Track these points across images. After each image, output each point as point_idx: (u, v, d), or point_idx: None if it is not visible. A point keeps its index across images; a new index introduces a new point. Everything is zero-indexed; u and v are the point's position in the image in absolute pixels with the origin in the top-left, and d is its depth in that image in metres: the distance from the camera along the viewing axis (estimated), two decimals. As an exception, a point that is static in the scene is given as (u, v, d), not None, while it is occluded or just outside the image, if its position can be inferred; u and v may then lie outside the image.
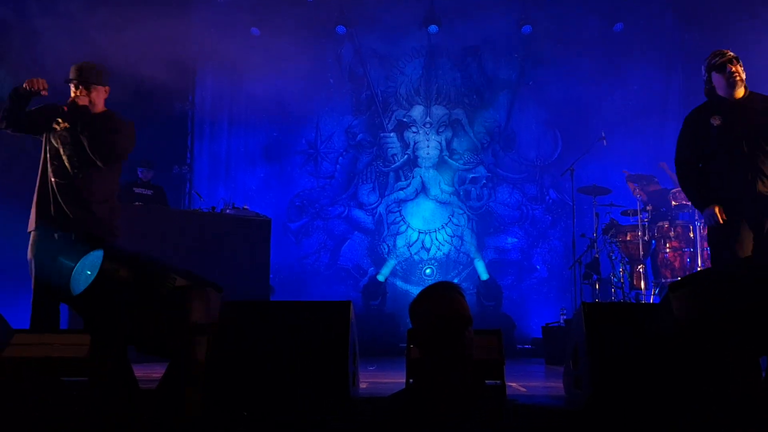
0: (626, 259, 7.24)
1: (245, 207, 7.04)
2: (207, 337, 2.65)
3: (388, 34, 9.74)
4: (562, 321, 6.96)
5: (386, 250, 9.54)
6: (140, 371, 4.15)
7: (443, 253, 9.49)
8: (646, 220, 7.09)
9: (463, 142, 9.77)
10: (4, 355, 2.78)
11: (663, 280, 7.06)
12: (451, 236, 9.53)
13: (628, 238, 7.22)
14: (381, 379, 4.46)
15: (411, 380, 2.91)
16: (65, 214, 3.86)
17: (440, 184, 9.67)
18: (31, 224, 3.93)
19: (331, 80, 9.93)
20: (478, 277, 9.18)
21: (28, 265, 3.89)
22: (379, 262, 9.49)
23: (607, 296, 7.31)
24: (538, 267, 9.44)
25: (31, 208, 3.98)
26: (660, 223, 7.14)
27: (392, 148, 9.80)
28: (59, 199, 3.88)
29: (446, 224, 9.58)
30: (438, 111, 9.81)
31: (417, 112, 9.82)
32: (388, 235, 9.59)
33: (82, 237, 3.79)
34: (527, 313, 9.05)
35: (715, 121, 4.01)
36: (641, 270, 7.14)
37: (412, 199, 9.68)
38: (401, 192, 9.71)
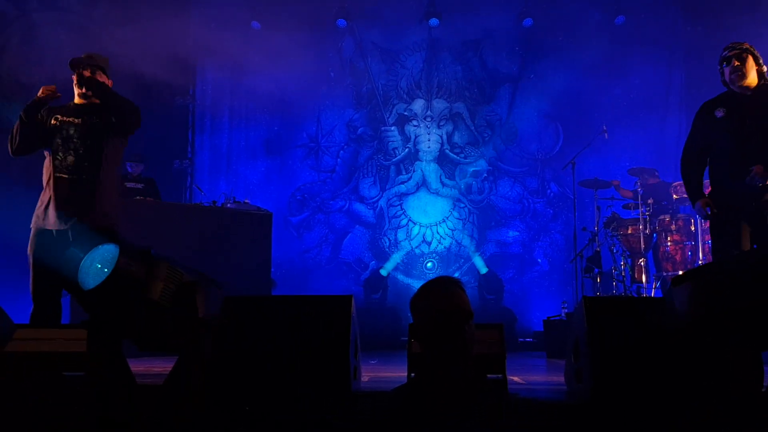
0: (627, 252, 7.24)
1: (246, 201, 7.03)
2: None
3: (388, 28, 9.73)
4: (563, 314, 6.97)
5: (387, 243, 9.55)
6: (141, 365, 4.17)
7: (444, 247, 9.49)
8: (647, 213, 7.09)
9: (464, 136, 9.76)
10: (6, 350, 2.79)
11: (664, 274, 7.07)
12: (452, 230, 9.54)
13: (629, 232, 7.22)
14: (383, 373, 4.47)
15: (412, 374, 2.91)
16: (70, 208, 3.85)
17: (441, 178, 9.67)
18: (34, 221, 3.93)
19: (331, 74, 9.91)
20: (479, 270, 9.19)
21: (27, 260, 3.90)
22: (381, 256, 9.50)
23: (608, 290, 7.31)
24: (539, 260, 9.44)
25: (36, 203, 3.98)
26: (661, 217, 7.14)
27: (393, 141, 9.79)
28: (64, 193, 3.87)
29: (447, 218, 9.59)
30: (439, 104, 9.80)
31: (418, 105, 9.81)
32: (390, 228, 9.60)
33: (92, 229, 3.78)
34: (528, 307, 9.06)
35: (719, 113, 4.00)
36: (642, 263, 7.14)
37: (413, 193, 9.68)
38: (402, 186, 9.71)
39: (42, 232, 3.87)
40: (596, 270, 7.24)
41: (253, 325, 3.03)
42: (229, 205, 6.86)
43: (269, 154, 9.90)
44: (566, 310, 7.05)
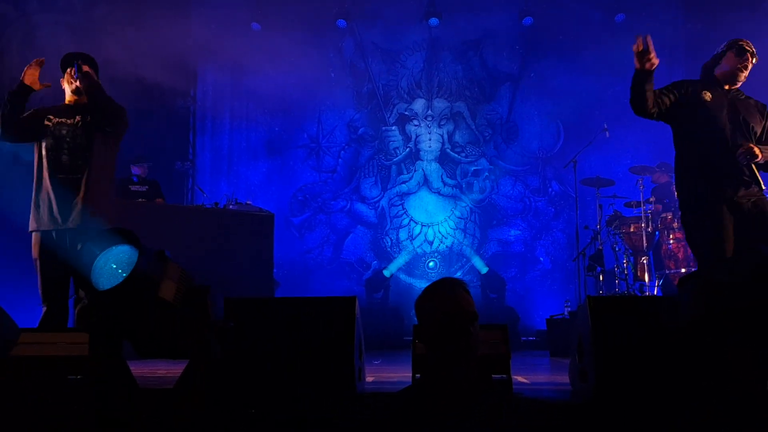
0: (630, 250, 7.23)
1: (248, 202, 7.04)
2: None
3: (388, 28, 9.73)
4: (566, 313, 6.96)
5: (389, 243, 9.55)
6: (146, 368, 4.17)
7: (446, 246, 9.50)
8: (649, 211, 7.09)
9: (465, 135, 9.76)
10: (12, 355, 2.79)
11: (666, 271, 7.06)
12: (454, 229, 9.54)
13: (631, 230, 7.21)
14: (387, 374, 4.47)
15: (417, 376, 2.91)
16: (65, 208, 3.85)
17: (442, 177, 9.67)
18: (32, 224, 3.92)
19: (332, 74, 9.91)
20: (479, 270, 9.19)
21: (32, 264, 3.90)
22: (383, 256, 9.50)
23: (610, 288, 7.31)
24: (541, 259, 9.44)
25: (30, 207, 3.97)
26: (663, 215, 7.14)
27: (394, 141, 9.79)
28: (58, 195, 3.87)
29: (449, 217, 9.59)
30: (439, 104, 9.80)
31: (418, 105, 9.81)
32: (391, 228, 9.60)
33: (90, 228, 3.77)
34: (531, 305, 9.07)
35: (706, 96, 3.97)
36: (645, 261, 7.13)
37: (414, 193, 9.68)
38: (403, 185, 9.71)
39: (42, 234, 3.88)
40: (599, 268, 7.23)
41: (258, 327, 3.03)
42: (231, 206, 6.87)
43: (270, 155, 9.90)
44: (569, 309, 7.04)
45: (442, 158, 9.71)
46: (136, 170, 7.40)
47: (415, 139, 9.76)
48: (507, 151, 9.71)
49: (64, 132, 3.95)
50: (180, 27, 7.71)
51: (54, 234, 3.85)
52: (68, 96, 4.07)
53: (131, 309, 2.38)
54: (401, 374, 4.01)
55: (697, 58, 4.44)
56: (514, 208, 9.59)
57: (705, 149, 3.91)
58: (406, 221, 9.62)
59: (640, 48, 3.76)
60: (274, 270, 7.19)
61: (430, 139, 9.73)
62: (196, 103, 9.81)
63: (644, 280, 7.13)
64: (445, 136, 9.75)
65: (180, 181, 9.49)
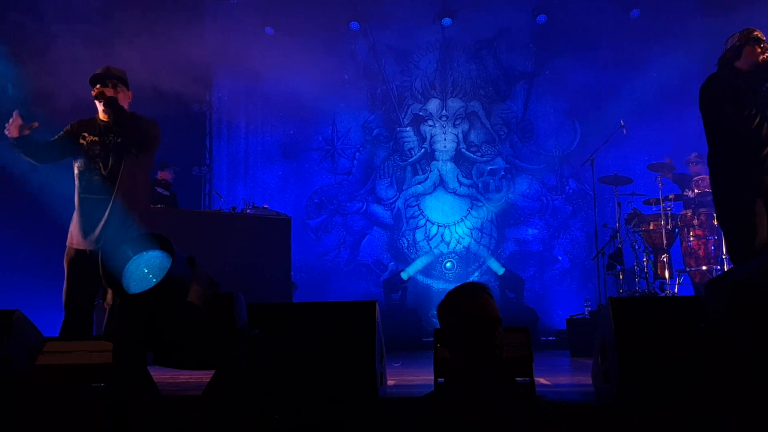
0: (650, 248, 7.16)
1: (265, 206, 7.06)
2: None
3: (401, 29, 9.73)
4: (586, 313, 6.90)
5: (406, 244, 9.54)
6: (168, 373, 4.19)
7: (463, 246, 9.47)
8: (668, 209, 7.01)
9: (480, 134, 9.73)
10: (37, 364, 2.82)
11: (687, 269, 6.99)
12: (471, 229, 9.51)
13: (651, 228, 7.14)
14: (408, 377, 4.46)
15: (440, 380, 2.90)
16: (99, 229, 3.88)
17: (458, 177, 9.65)
18: (68, 238, 3.96)
19: (346, 76, 9.92)
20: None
21: (59, 273, 3.94)
22: (399, 257, 9.49)
23: (631, 286, 7.24)
24: (559, 258, 9.39)
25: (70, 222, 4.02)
26: (683, 212, 7.07)
27: (409, 142, 9.78)
28: (91, 214, 3.90)
29: (465, 217, 9.56)
30: (454, 104, 9.78)
31: (433, 105, 9.79)
32: (408, 229, 9.59)
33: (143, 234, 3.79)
34: (550, 305, 9.02)
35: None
36: (665, 259, 7.06)
37: (430, 193, 9.67)
38: (419, 186, 9.70)
39: (76, 251, 3.92)
40: (618, 267, 7.16)
41: (279, 333, 3.04)
42: (248, 210, 6.90)
43: (286, 158, 9.94)
44: (589, 308, 6.99)
45: (458, 158, 9.68)
46: (162, 175, 7.60)
47: (430, 139, 9.75)
48: (523, 150, 9.67)
49: (96, 151, 3.97)
50: (195, 33, 7.78)
51: (88, 252, 3.89)
52: (100, 113, 4.05)
53: (159, 314, 2.37)
54: (423, 377, 4.00)
55: (714, 52, 4.35)
56: (532, 207, 9.54)
57: (745, 145, 3.88)
58: (422, 222, 9.61)
59: None
60: (292, 273, 7.21)
61: (445, 139, 9.71)
62: (212, 108, 9.87)
63: (665, 278, 7.06)
64: (460, 136, 9.72)
65: (197, 185, 9.56)
